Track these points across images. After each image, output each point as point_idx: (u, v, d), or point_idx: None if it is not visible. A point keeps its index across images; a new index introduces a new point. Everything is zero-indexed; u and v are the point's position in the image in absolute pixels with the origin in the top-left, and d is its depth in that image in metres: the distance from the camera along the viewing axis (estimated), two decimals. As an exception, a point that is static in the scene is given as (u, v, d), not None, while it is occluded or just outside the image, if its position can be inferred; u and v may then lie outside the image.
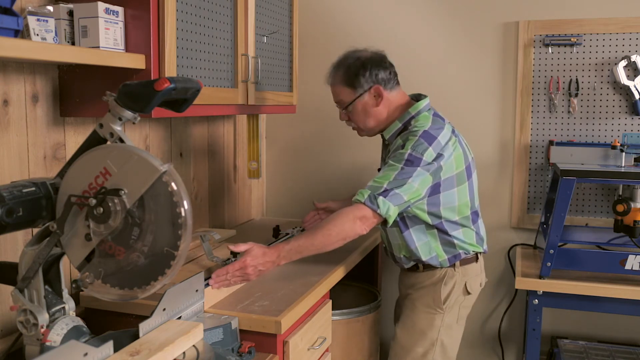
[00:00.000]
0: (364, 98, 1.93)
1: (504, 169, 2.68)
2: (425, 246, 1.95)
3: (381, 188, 1.78)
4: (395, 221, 1.88)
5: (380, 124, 1.98)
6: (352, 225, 1.77)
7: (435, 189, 1.85)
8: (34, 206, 1.20)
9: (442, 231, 1.93)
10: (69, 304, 1.30)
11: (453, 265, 1.97)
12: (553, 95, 2.57)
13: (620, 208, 2.20)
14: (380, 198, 1.77)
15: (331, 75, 1.99)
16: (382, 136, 2.03)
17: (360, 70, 1.92)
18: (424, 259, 1.95)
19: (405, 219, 1.93)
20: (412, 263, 2.01)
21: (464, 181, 1.92)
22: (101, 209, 1.18)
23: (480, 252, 2.04)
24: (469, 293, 2.00)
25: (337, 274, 1.99)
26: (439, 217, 1.90)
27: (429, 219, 1.91)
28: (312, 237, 1.78)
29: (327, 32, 2.86)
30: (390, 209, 1.77)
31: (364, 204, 1.79)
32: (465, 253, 1.97)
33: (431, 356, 1.98)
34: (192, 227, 1.18)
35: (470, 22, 2.67)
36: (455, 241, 1.95)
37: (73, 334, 1.25)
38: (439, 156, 1.82)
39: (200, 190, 2.47)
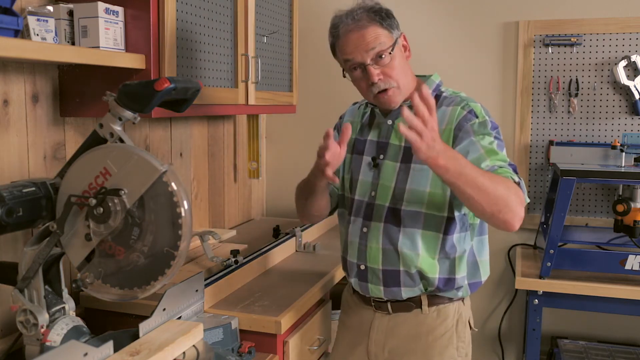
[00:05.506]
0: (398, 44, 1.49)
1: (504, 169, 2.68)
2: (465, 259, 1.51)
3: (508, 164, 1.39)
4: (451, 221, 1.48)
5: (410, 83, 1.52)
6: (517, 206, 1.29)
7: None
8: (34, 206, 1.20)
9: (478, 242, 1.54)
10: (69, 304, 1.30)
11: (462, 299, 1.56)
12: (553, 95, 2.57)
13: (620, 208, 2.20)
14: (521, 179, 1.38)
15: (359, 16, 1.47)
16: (380, 111, 1.57)
17: (389, 12, 1.52)
18: (458, 276, 1.50)
19: (458, 218, 1.48)
20: (418, 292, 1.51)
21: None
22: (101, 209, 1.18)
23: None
24: (471, 328, 1.61)
25: (337, 274, 1.99)
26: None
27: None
28: (480, 173, 1.28)
29: (327, 32, 2.85)
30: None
31: (519, 184, 1.35)
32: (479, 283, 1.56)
33: None
34: (192, 227, 1.18)
35: (470, 22, 2.67)
36: (481, 260, 1.55)
37: (73, 334, 1.25)
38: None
39: (200, 190, 2.47)
